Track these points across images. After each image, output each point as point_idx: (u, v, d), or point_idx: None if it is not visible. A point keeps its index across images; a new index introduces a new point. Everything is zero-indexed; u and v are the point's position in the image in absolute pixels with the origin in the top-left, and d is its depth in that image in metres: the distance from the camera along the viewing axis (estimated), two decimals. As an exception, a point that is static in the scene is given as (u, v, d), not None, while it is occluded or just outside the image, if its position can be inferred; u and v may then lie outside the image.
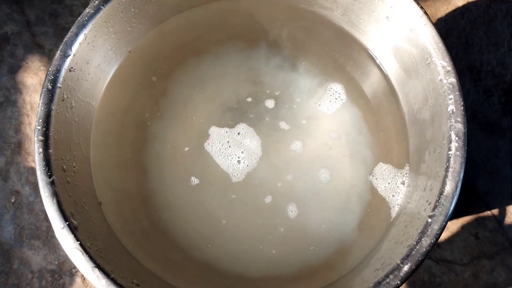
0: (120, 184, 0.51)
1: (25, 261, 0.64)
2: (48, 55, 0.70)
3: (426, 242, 0.37)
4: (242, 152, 0.55)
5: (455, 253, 0.64)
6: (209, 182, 0.54)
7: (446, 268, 0.64)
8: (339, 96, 0.56)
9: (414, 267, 0.36)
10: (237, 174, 0.55)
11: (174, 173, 0.54)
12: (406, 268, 0.36)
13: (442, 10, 0.72)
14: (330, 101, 0.56)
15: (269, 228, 0.52)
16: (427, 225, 0.38)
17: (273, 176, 0.54)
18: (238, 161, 0.55)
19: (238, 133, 0.56)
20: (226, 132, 0.56)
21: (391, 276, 0.37)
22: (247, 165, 0.55)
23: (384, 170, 0.52)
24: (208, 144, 0.55)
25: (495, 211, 0.65)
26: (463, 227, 0.65)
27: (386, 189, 0.50)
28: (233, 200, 0.53)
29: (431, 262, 0.64)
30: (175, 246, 0.50)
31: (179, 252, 0.50)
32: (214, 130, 0.56)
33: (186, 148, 0.55)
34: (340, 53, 0.56)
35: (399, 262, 0.37)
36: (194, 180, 0.53)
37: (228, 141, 0.56)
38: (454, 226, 0.65)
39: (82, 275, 0.64)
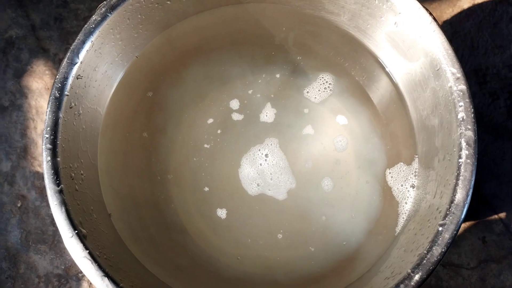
0: (127, 191, 0.51)
1: (32, 266, 0.64)
2: (53, 59, 0.70)
3: (437, 251, 0.37)
4: (266, 156, 0.55)
5: (462, 257, 0.64)
6: (223, 192, 0.54)
7: (453, 272, 0.63)
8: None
9: (425, 276, 0.36)
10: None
11: (183, 179, 0.54)
12: (417, 277, 0.36)
13: (448, 13, 0.71)
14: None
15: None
16: (437, 233, 0.37)
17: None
18: (266, 156, 0.55)
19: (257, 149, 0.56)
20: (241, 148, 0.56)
21: (401, 286, 0.36)
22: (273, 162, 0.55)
23: (393, 175, 0.52)
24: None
25: (502, 215, 0.65)
26: (470, 231, 0.65)
27: (394, 194, 0.50)
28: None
29: (438, 266, 0.64)
30: (183, 253, 0.50)
31: (187, 259, 0.50)
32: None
33: (195, 159, 0.55)
34: (347, 58, 0.56)
35: (409, 271, 0.37)
36: (206, 188, 0.54)
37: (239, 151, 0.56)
38: (461, 229, 0.65)
39: (89, 280, 0.64)
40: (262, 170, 0.55)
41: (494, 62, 0.69)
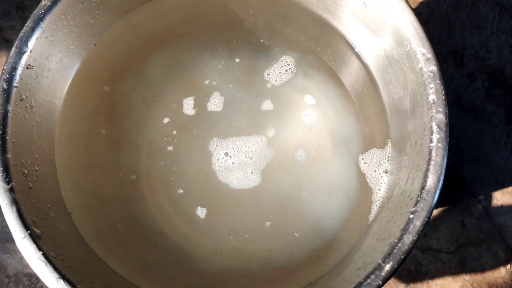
0: (91, 187, 0.49)
1: (1, 266, 0.62)
2: (15, 50, 0.67)
3: (408, 239, 0.35)
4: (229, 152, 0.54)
5: (441, 241, 0.63)
6: (201, 193, 0.53)
7: (432, 256, 0.63)
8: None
9: (396, 266, 0.35)
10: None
11: (152, 182, 0.52)
12: (387, 267, 0.35)
13: (425, -7, 0.70)
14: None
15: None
16: (409, 221, 0.36)
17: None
18: (226, 155, 0.53)
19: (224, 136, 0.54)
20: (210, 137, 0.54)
21: (372, 276, 0.35)
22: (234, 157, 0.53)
23: (366, 161, 0.50)
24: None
25: (481, 198, 0.64)
26: (449, 215, 0.64)
27: (368, 181, 0.49)
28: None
29: (417, 251, 0.63)
30: (154, 250, 0.48)
31: (157, 256, 0.48)
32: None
33: (161, 163, 0.53)
34: (317, 42, 0.54)
35: (380, 261, 0.35)
36: (180, 190, 0.52)
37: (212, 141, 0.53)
38: (439, 213, 0.64)
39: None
40: (239, 163, 0.53)
41: (471, 43, 0.68)
